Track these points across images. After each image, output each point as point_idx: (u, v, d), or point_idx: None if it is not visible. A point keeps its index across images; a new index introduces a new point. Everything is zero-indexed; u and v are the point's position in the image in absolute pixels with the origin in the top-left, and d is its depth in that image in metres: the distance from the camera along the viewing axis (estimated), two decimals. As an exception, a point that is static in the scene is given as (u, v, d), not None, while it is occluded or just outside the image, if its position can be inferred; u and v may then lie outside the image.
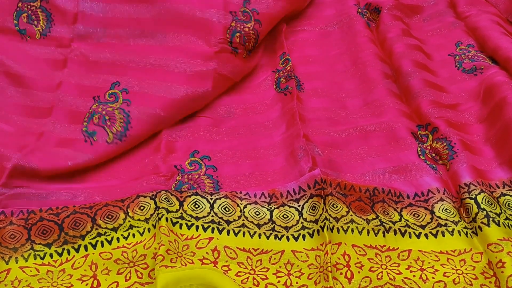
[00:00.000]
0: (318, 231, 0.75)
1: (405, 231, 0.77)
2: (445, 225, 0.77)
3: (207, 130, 0.94)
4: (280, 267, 0.73)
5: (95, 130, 0.89)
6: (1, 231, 0.73)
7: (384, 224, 0.77)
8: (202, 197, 0.80)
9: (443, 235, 0.76)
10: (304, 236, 0.76)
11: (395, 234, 0.76)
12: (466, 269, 0.71)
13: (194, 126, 0.94)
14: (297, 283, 0.71)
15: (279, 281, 0.71)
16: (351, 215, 0.78)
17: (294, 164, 0.85)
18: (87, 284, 0.70)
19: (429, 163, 0.85)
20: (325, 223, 0.75)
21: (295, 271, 0.72)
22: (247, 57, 1.04)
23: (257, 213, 0.79)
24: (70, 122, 0.92)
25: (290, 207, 0.79)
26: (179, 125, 0.94)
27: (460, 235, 0.76)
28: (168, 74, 0.95)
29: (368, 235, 0.76)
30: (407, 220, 0.78)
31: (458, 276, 0.70)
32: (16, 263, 0.71)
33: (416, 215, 0.79)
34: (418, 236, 0.76)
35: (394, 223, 0.77)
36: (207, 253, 0.73)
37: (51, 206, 0.77)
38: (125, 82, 0.95)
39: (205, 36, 0.99)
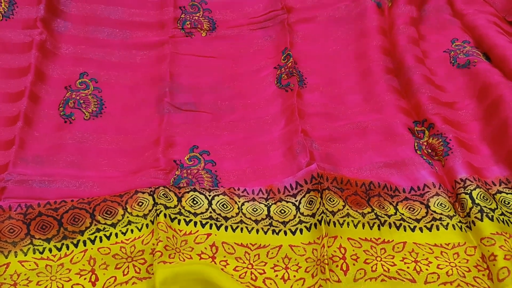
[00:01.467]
0: (315, 225, 0.76)
1: (400, 224, 0.77)
2: (440, 219, 0.78)
3: (207, 126, 0.94)
4: (277, 261, 0.74)
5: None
6: (0, 225, 0.73)
7: (379, 217, 0.78)
8: (201, 193, 0.80)
9: (438, 229, 0.77)
10: (301, 230, 0.77)
11: (390, 227, 0.77)
12: (459, 262, 0.72)
13: (194, 122, 0.95)
14: (294, 276, 0.72)
15: (276, 275, 0.72)
16: (347, 209, 0.78)
17: (292, 159, 0.85)
18: (85, 279, 0.70)
19: (425, 158, 0.86)
20: (322, 216, 0.76)
21: (293, 265, 0.73)
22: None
23: (255, 209, 0.80)
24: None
25: (287, 202, 0.80)
26: (178, 120, 0.95)
27: (454, 229, 0.76)
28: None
29: (363, 228, 0.77)
30: (403, 214, 0.79)
31: (452, 269, 0.71)
32: (16, 257, 0.72)
33: (412, 209, 0.79)
34: (413, 230, 0.77)
35: (389, 216, 0.78)
36: (205, 248, 0.74)
37: (49, 200, 0.77)
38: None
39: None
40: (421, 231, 0.77)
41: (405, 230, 0.77)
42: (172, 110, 0.95)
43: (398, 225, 0.77)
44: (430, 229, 0.77)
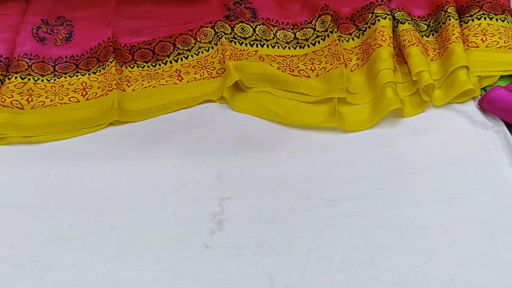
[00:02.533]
0: (328, 35, 1.06)
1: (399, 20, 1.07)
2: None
3: None
4: (306, 62, 1.04)
5: None
6: (114, 53, 1.06)
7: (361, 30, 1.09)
8: (247, 24, 1.11)
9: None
10: (319, 41, 1.07)
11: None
12: None
13: None
14: (319, 66, 1.02)
15: (306, 67, 1.02)
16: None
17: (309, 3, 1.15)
18: (175, 78, 1.02)
19: None
20: (333, 29, 1.06)
21: (317, 61, 1.03)
22: None
23: (285, 35, 1.11)
24: None
25: (307, 28, 1.10)
26: None
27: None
28: None
29: (353, 40, 1.09)
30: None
31: None
32: (126, 68, 1.04)
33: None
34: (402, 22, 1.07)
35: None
36: (255, 59, 1.05)
37: (144, 39, 1.10)
38: None
39: None
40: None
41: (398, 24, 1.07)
42: None
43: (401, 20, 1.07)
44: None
